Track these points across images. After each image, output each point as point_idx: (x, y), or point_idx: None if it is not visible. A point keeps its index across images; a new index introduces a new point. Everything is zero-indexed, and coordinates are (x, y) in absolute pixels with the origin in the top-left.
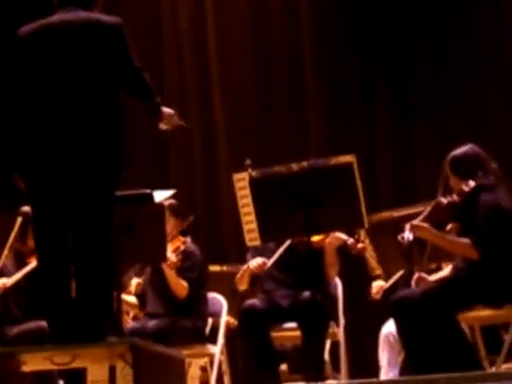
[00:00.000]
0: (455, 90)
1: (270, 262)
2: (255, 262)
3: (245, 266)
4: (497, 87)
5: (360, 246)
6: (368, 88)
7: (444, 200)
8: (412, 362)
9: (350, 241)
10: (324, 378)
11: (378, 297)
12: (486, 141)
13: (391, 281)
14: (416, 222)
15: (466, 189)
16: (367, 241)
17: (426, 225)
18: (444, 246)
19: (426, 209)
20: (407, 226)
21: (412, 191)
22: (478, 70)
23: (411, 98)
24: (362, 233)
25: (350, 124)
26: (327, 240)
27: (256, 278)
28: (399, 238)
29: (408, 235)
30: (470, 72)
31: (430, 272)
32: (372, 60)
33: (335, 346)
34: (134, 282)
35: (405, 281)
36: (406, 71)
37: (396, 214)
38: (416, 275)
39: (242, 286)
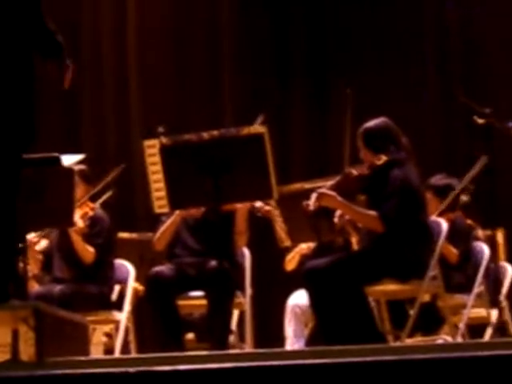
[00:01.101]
0: (369, 62)
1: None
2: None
3: (297, 248)
4: (408, 65)
5: (267, 208)
6: (283, 61)
7: (354, 171)
8: (322, 331)
9: (258, 203)
10: (229, 347)
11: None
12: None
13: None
14: (323, 190)
15: (377, 162)
16: (277, 212)
17: (332, 193)
18: (350, 216)
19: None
20: (313, 195)
21: (324, 163)
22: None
23: (328, 71)
24: (272, 203)
25: (265, 95)
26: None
27: None
28: (304, 204)
29: (313, 202)
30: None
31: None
32: (289, 31)
33: (243, 316)
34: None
35: (316, 252)
36: (324, 42)
37: (307, 185)
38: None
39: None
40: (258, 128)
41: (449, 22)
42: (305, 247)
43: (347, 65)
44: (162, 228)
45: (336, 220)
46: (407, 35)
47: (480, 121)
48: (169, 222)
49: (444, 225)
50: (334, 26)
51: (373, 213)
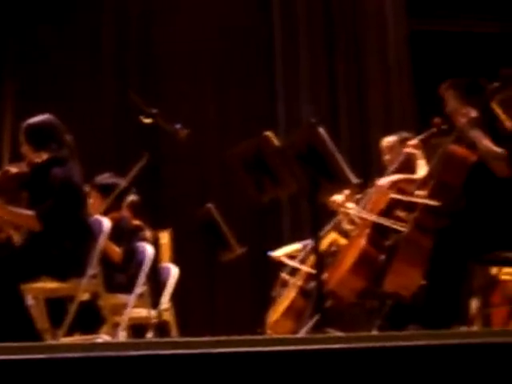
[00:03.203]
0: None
1: None
2: None
3: None
4: (83, 60)
5: None
6: None
7: (12, 169)
8: None
9: None
10: None
11: None
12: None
13: None
14: None
15: (37, 160)
16: None
17: None
18: (5, 216)
19: None
20: None
21: None
22: None
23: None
24: None
25: None
26: None
27: None
28: None
29: None
30: None
31: None
32: None
33: None
34: None
35: None
36: None
37: None
38: None
39: None
40: None
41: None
42: None
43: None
44: None
45: None
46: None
47: (146, 120)
48: None
49: (106, 223)
50: None
51: (29, 212)
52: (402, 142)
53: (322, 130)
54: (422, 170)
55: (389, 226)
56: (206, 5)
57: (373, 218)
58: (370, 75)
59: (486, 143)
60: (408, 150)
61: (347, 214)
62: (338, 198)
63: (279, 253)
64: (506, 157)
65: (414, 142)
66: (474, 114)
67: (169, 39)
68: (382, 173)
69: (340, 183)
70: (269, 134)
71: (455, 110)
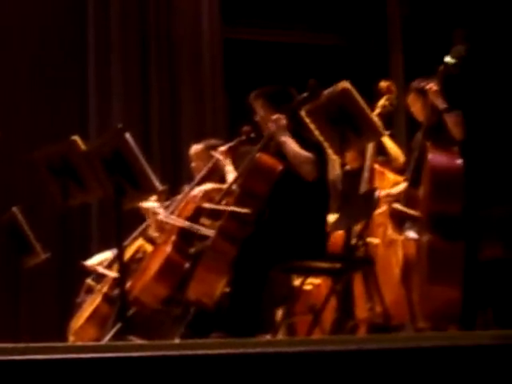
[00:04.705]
0: None
1: None
2: None
3: None
4: None
5: None
6: None
7: None
8: None
9: None
10: None
11: None
12: None
13: None
14: None
15: None
16: None
17: None
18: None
19: None
20: None
21: None
22: None
23: None
24: None
25: None
26: None
27: None
28: None
29: None
30: None
31: None
32: None
33: None
34: None
35: None
36: None
37: None
38: None
39: None
40: None
41: None
42: None
43: None
44: None
45: None
46: None
47: None
48: None
49: None
50: None
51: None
52: (210, 150)
53: (128, 136)
54: (230, 177)
55: (197, 231)
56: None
57: (182, 223)
58: (183, 83)
59: (295, 147)
60: (216, 157)
61: (158, 221)
62: (150, 204)
63: (93, 261)
64: (313, 160)
65: (222, 149)
66: (283, 120)
67: None
68: (191, 180)
69: (145, 190)
70: (76, 138)
71: (264, 119)
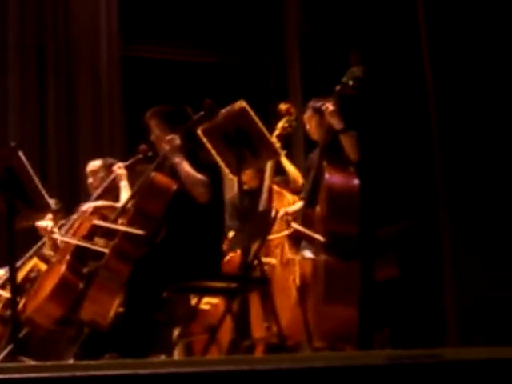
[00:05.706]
0: None
1: None
2: None
3: None
4: None
5: None
6: None
7: None
8: None
9: None
10: None
11: None
12: None
13: None
14: None
15: None
16: None
17: None
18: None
19: None
20: None
21: None
22: None
23: None
24: None
25: None
26: None
27: None
28: None
29: None
30: None
31: None
32: None
33: None
34: None
35: None
36: None
37: None
38: None
39: None
40: None
41: None
42: None
43: None
44: None
45: None
46: None
47: None
48: None
49: None
50: None
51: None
52: (107, 167)
53: (21, 154)
54: (125, 196)
55: (93, 249)
56: None
57: (76, 241)
58: (80, 100)
59: (188, 169)
60: (113, 175)
61: (52, 240)
62: (45, 223)
63: None
64: (205, 183)
65: (118, 167)
66: (177, 141)
67: None
68: (88, 198)
69: (38, 208)
70: None
71: (159, 138)
